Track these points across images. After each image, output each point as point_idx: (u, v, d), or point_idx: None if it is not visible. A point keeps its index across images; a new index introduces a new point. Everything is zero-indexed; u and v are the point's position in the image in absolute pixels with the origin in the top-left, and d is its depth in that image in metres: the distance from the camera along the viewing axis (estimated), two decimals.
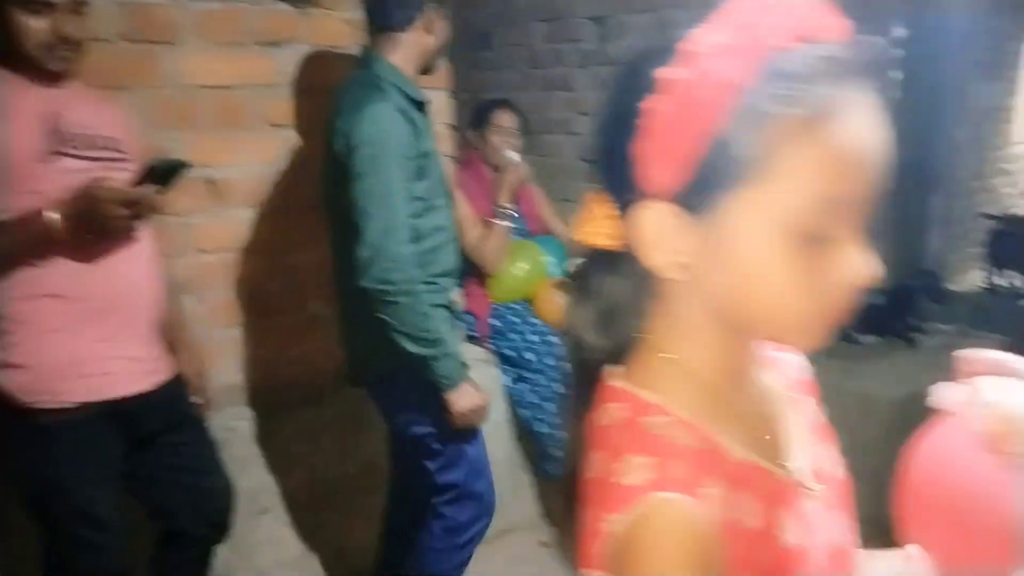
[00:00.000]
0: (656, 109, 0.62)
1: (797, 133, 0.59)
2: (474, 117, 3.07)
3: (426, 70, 2.07)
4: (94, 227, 1.61)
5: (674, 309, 0.70)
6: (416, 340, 1.85)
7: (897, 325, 3.69)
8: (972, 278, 5.17)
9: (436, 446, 2.02)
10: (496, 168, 2.94)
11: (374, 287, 1.81)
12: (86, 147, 1.70)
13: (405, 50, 1.98)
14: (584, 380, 0.73)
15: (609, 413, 0.69)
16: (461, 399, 1.92)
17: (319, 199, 2.06)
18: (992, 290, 4.64)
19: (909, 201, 4.54)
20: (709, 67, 0.60)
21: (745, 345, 0.72)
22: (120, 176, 1.69)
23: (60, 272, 1.65)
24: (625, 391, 0.70)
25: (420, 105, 1.98)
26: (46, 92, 1.68)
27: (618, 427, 0.68)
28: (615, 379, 0.71)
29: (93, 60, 1.82)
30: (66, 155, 1.66)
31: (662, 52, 0.64)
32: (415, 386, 1.93)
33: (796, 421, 0.77)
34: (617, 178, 0.67)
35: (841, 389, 2.86)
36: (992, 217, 5.07)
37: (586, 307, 0.73)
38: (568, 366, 0.76)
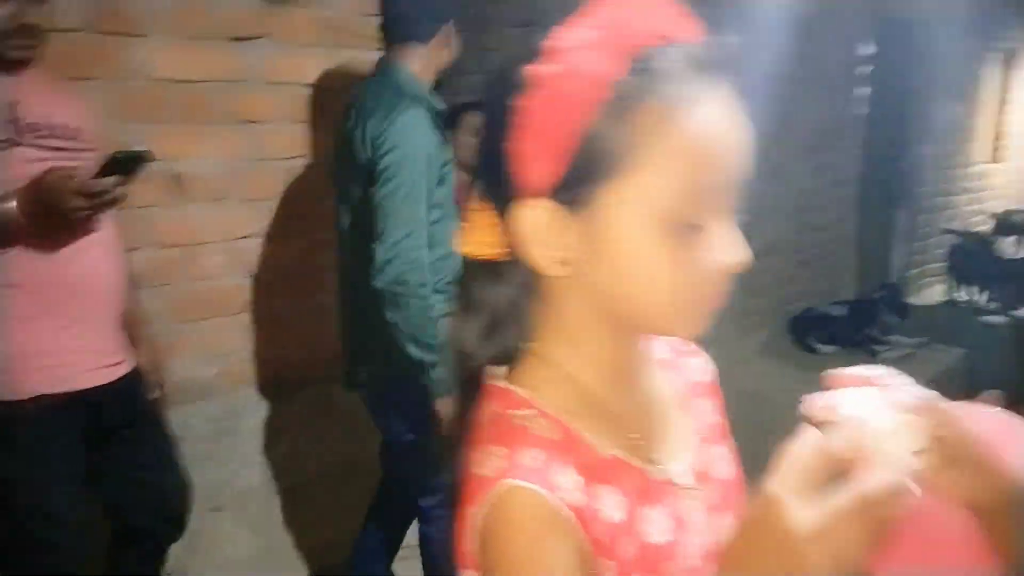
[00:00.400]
0: (529, 106, 0.64)
1: (661, 126, 0.62)
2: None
3: (437, 83, 2.12)
4: (53, 217, 1.59)
5: (558, 311, 0.72)
6: (419, 344, 1.87)
7: (859, 337, 3.75)
8: (934, 292, 5.26)
9: (432, 450, 2.03)
10: (467, 171, 2.94)
11: (389, 288, 1.84)
12: (46, 136, 1.68)
13: (424, 61, 2.04)
14: (471, 389, 0.74)
15: (483, 410, 0.71)
16: (450, 407, 1.92)
17: (333, 206, 2.08)
18: (953, 304, 4.73)
19: (875, 216, 4.61)
20: (579, 63, 0.63)
21: (628, 344, 0.74)
22: (81, 166, 1.67)
23: (18, 262, 1.62)
24: (501, 388, 0.72)
25: (437, 115, 2.03)
26: (5, 80, 1.65)
27: (486, 421, 0.70)
28: (496, 378, 0.73)
29: (57, 49, 1.79)
30: (25, 144, 1.64)
31: (536, 53, 0.66)
32: (412, 393, 1.94)
33: (683, 422, 0.79)
34: (496, 179, 0.69)
35: (800, 398, 2.89)
36: (954, 233, 5.17)
37: (472, 318, 0.74)
38: (456, 375, 0.77)
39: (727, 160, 0.64)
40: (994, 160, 6.47)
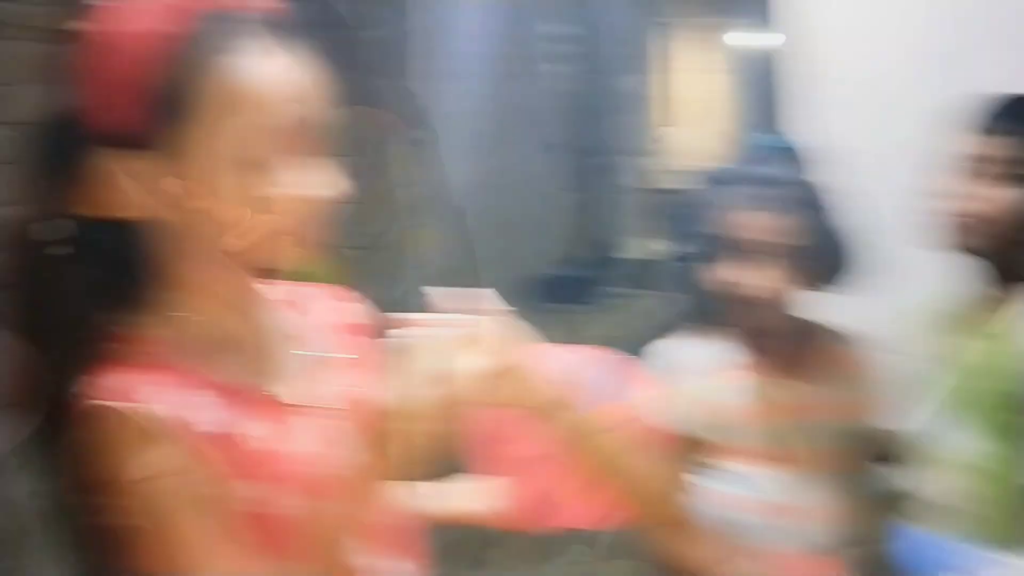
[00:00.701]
0: (101, 65, 0.72)
1: (224, 77, 0.72)
2: None
3: None
4: None
5: (172, 256, 0.78)
6: None
7: (587, 294, 4.06)
8: (643, 246, 5.79)
9: None
10: None
11: None
12: None
13: None
14: (90, 340, 0.77)
15: (98, 353, 0.76)
16: None
17: None
18: (664, 256, 5.22)
19: (586, 181, 4.97)
20: (147, 22, 0.72)
21: (241, 281, 0.82)
22: None
23: None
24: (116, 331, 0.77)
25: None
26: None
27: (102, 359, 0.75)
28: (114, 324, 0.78)
29: None
30: None
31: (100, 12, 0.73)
32: None
33: (312, 353, 0.87)
34: (96, 137, 0.74)
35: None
36: (646, 191, 5.71)
37: (91, 272, 0.78)
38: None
39: (290, 106, 0.75)
40: (668, 123, 7.22)
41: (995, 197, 1.46)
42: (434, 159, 4.17)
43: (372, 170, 2.91)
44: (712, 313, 1.45)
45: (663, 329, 1.55)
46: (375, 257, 2.99)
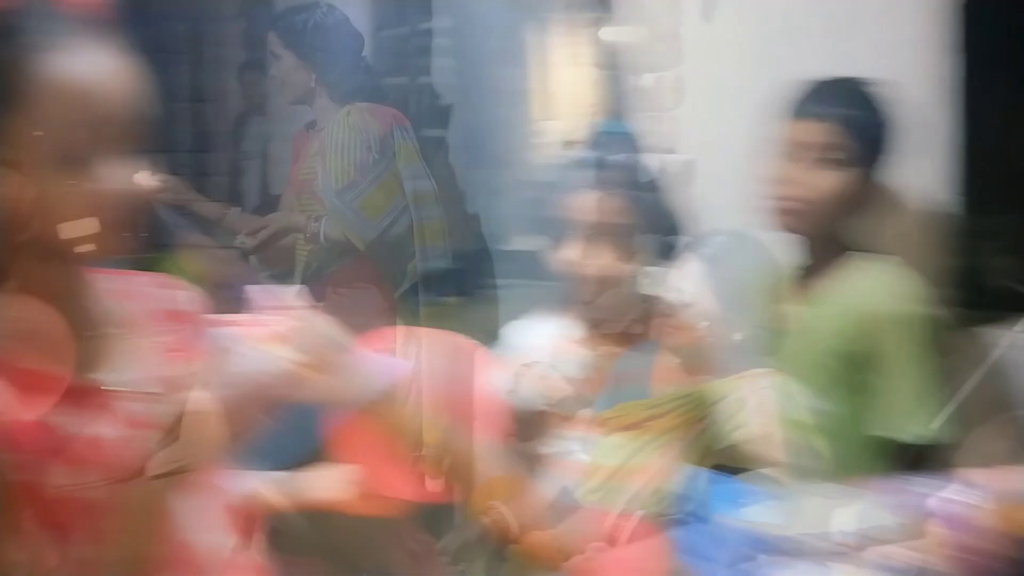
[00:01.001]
0: None
1: (44, 71, 0.74)
2: None
3: None
4: None
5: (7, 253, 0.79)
6: None
7: (474, 284, 4.11)
8: (525, 237, 5.87)
9: None
10: None
11: None
12: None
13: None
14: None
15: None
16: None
17: None
18: (539, 245, 5.32)
19: (471, 176, 5.01)
20: None
21: (64, 270, 0.83)
22: None
23: None
24: None
25: None
26: None
27: None
28: None
29: None
30: None
31: None
32: None
33: (139, 341, 0.90)
34: None
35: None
36: (527, 184, 5.80)
37: None
38: None
39: (105, 105, 0.77)
40: (547, 117, 7.34)
41: (811, 181, 1.58)
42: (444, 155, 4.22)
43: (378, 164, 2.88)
44: (563, 293, 1.54)
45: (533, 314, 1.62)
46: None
